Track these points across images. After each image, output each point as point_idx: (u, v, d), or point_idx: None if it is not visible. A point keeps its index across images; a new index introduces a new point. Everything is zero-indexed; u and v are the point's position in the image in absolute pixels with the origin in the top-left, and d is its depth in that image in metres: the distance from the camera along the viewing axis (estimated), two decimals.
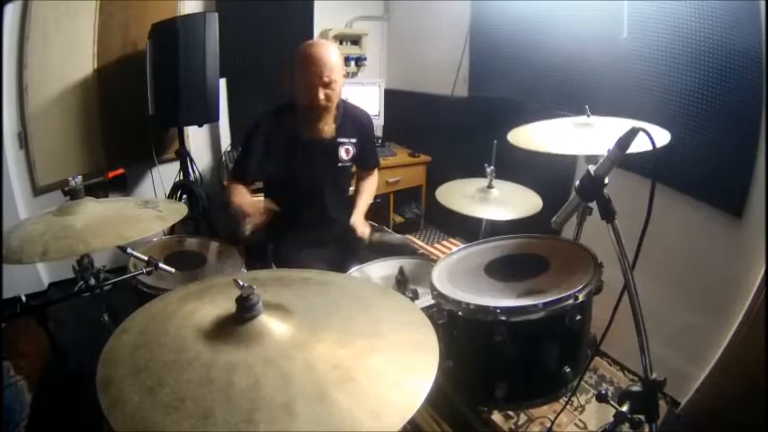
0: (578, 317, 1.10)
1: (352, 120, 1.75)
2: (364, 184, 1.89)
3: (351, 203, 1.86)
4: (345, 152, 1.75)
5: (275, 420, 0.57)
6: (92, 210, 1.17)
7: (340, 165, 1.75)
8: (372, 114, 2.23)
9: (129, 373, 0.65)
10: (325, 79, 1.54)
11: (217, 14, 2.36)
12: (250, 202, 1.63)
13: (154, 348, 0.70)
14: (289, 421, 0.56)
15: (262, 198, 1.68)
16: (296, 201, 1.73)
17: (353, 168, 1.86)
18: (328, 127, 1.66)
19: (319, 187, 1.74)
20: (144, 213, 1.21)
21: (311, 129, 1.64)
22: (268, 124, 1.68)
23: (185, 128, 2.61)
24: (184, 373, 0.64)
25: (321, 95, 1.55)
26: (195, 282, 0.96)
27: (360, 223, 1.70)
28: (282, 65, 1.68)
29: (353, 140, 1.75)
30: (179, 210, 1.28)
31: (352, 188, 1.94)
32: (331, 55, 1.55)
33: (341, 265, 1.52)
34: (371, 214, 2.03)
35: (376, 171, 1.94)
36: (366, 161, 1.86)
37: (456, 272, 1.29)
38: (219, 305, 0.77)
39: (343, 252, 1.68)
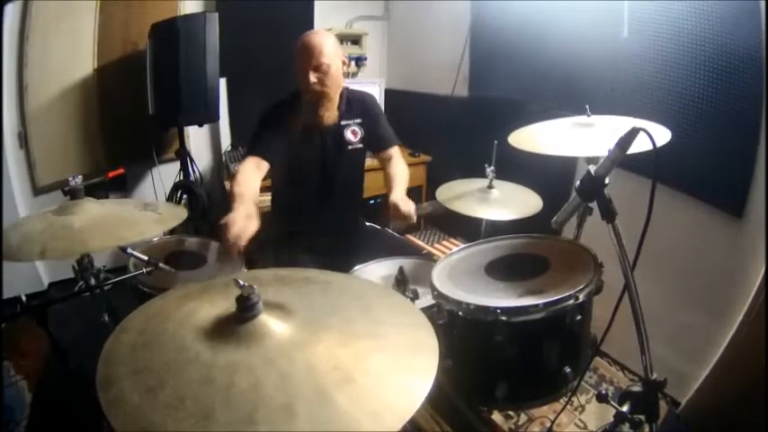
0: (579, 317, 1.10)
1: (353, 102, 1.74)
2: (392, 168, 1.74)
3: (362, 200, 1.83)
4: (352, 134, 1.72)
5: (275, 421, 0.57)
6: (91, 210, 1.17)
7: (350, 147, 1.72)
8: None
9: (129, 372, 0.65)
10: (315, 63, 1.53)
11: (217, 14, 2.35)
12: (242, 223, 1.29)
13: (154, 348, 0.70)
14: (289, 421, 0.56)
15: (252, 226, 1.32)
16: (301, 199, 1.73)
17: (366, 154, 1.81)
18: (329, 113, 1.64)
19: (328, 177, 1.71)
20: (143, 216, 1.21)
21: (313, 116, 1.63)
22: (281, 109, 1.67)
23: (185, 128, 2.61)
24: (184, 373, 0.64)
25: (312, 79, 1.55)
26: (194, 281, 0.96)
27: (402, 200, 1.53)
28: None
29: (358, 121, 1.73)
30: (178, 213, 1.27)
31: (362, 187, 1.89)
32: (321, 40, 1.55)
33: (343, 266, 1.51)
34: (371, 216, 2.03)
35: (398, 150, 1.81)
36: (381, 140, 1.78)
37: (456, 272, 1.28)
38: (219, 305, 0.77)
39: (348, 255, 1.64)
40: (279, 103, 1.70)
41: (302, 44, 1.56)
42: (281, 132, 1.62)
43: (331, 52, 1.56)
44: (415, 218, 1.52)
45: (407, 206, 1.51)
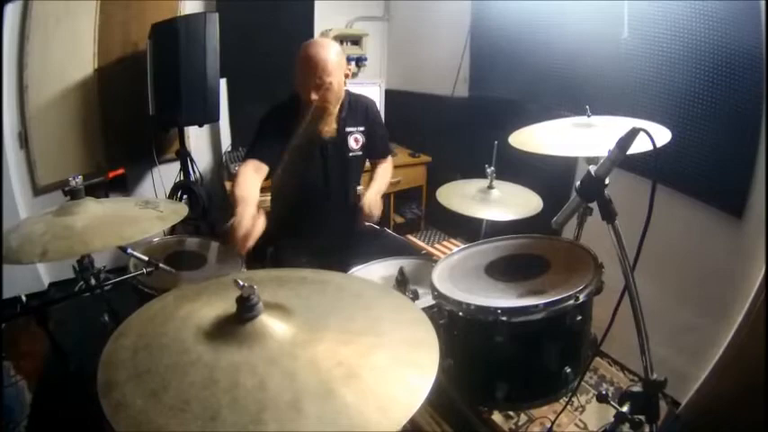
0: (579, 317, 1.10)
1: (357, 108, 1.74)
2: (377, 170, 1.83)
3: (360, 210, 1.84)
4: (354, 141, 1.73)
5: (284, 419, 0.57)
6: (92, 210, 1.17)
7: (351, 155, 1.73)
8: None
9: (130, 376, 0.65)
10: (318, 81, 1.53)
11: (217, 14, 2.36)
12: (249, 224, 1.36)
13: (154, 351, 0.70)
14: (297, 419, 0.57)
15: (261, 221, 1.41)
16: (301, 200, 1.73)
17: (365, 161, 1.83)
18: (328, 127, 1.65)
19: (328, 180, 1.72)
20: (144, 214, 1.21)
21: (311, 128, 1.63)
22: (281, 112, 1.66)
23: (186, 128, 2.61)
24: (188, 375, 0.64)
25: (314, 96, 1.54)
26: (192, 282, 0.96)
27: (372, 201, 1.64)
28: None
29: (361, 129, 1.74)
30: (179, 210, 1.28)
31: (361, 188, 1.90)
32: (326, 56, 1.52)
33: (344, 266, 1.51)
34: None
35: (390, 159, 1.89)
36: (376, 150, 1.82)
37: (456, 272, 1.28)
38: (218, 306, 0.77)
39: (348, 255, 1.63)
40: (279, 105, 1.70)
41: (306, 57, 1.53)
42: (282, 136, 1.62)
43: (335, 69, 1.54)
44: (375, 219, 1.65)
45: (372, 208, 1.64)
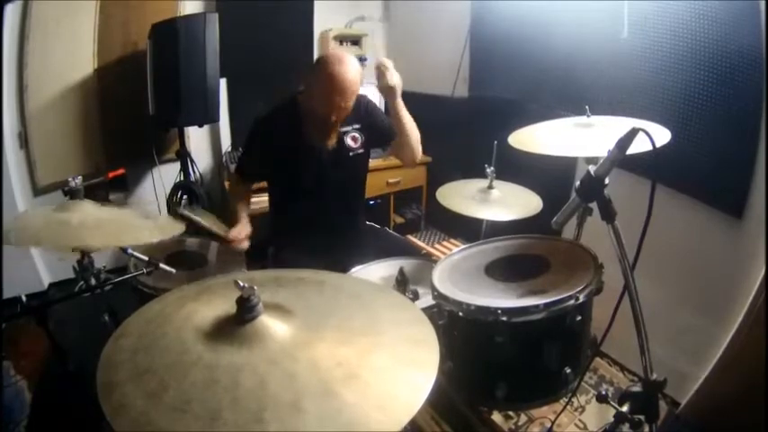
0: (579, 317, 1.10)
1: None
2: None
3: (364, 202, 1.88)
4: (353, 140, 1.72)
5: (285, 419, 0.57)
6: (88, 210, 1.19)
7: (351, 154, 1.73)
8: None
9: (130, 377, 0.65)
10: (345, 103, 1.52)
11: (217, 14, 2.35)
12: (238, 229, 1.57)
13: (154, 352, 0.70)
14: (298, 419, 0.57)
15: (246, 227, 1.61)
16: (301, 204, 1.73)
17: (368, 158, 1.82)
18: (332, 141, 1.67)
19: (327, 187, 1.72)
20: (142, 222, 1.23)
21: (316, 138, 1.64)
22: (272, 124, 1.66)
23: (185, 128, 2.61)
24: (188, 376, 0.64)
25: (335, 118, 1.55)
26: (191, 283, 0.96)
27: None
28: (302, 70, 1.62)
29: (357, 126, 1.74)
30: (177, 226, 1.31)
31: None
32: (353, 77, 1.50)
33: (344, 267, 1.51)
34: (370, 216, 2.03)
35: None
36: (383, 136, 1.78)
37: (457, 272, 1.28)
38: (217, 306, 0.77)
39: (348, 255, 1.62)
40: (278, 109, 1.69)
41: (334, 78, 1.47)
42: (273, 150, 1.64)
43: (357, 89, 1.55)
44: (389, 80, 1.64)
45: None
